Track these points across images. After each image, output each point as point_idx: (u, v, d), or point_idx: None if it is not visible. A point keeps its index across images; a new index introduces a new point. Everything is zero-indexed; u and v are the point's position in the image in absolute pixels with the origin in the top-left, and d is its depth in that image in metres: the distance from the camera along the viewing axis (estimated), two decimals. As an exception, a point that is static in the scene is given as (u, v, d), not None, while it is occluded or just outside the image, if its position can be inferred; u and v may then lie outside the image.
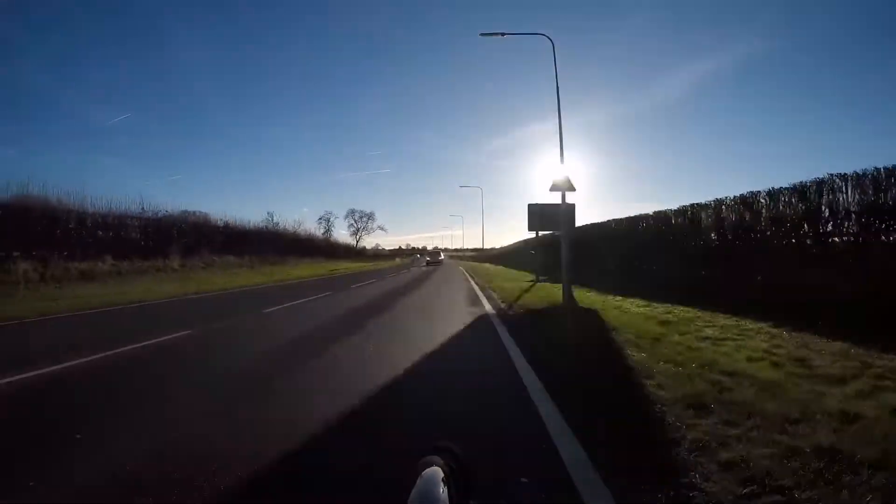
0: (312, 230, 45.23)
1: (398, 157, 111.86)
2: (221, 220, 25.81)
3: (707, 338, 4.40)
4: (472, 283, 15.17)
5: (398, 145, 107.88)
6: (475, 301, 9.26)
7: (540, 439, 2.23)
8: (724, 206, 7.82)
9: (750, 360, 3.52)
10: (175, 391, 3.28)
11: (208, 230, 23.55)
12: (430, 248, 71.96)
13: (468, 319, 6.67)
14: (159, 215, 20.29)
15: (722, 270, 7.61)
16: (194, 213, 24.73)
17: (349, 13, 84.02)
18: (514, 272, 20.32)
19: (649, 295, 7.72)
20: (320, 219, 57.47)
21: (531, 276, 14.79)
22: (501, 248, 43.19)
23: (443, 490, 0.47)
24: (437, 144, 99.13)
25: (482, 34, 10.40)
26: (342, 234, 63.95)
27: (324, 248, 40.31)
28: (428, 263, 38.63)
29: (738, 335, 4.47)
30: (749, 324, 5.01)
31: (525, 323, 6.20)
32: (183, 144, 79.64)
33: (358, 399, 2.93)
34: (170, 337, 5.12)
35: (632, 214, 11.51)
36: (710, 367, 3.32)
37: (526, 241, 23.24)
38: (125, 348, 4.49)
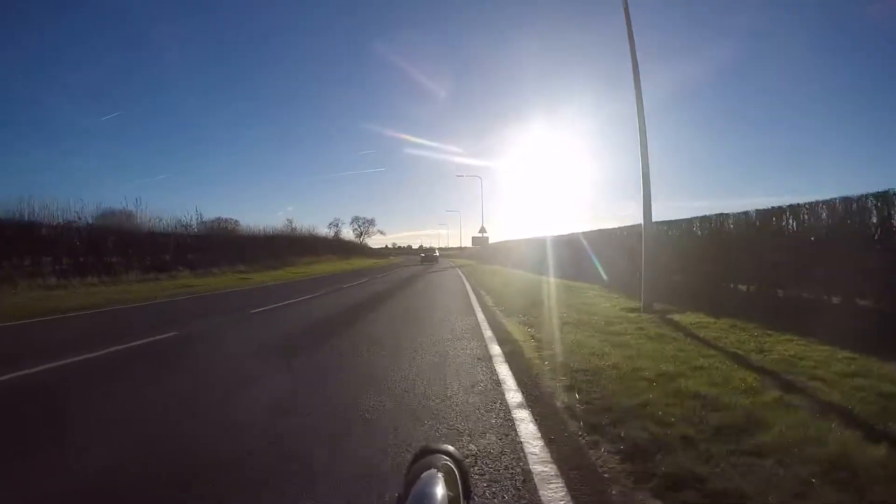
0: (324, 232, 66.58)
1: (389, 159, 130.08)
2: (320, 233, 52.69)
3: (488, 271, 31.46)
4: (450, 262, 42.24)
5: (389, 147, 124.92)
6: (449, 264, 36.25)
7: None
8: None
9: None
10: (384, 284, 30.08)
11: (306, 238, 49.36)
12: (416, 247, 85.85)
13: (447, 266, 33.67)
14: (298, 232, 46.69)
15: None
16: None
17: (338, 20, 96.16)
18: (472, 261, 46.75)
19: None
20: (330, 224, 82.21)
21: (478, 262, 41.85)
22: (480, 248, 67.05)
23: (441, 492, 0.52)
24: (425, 147, 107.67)
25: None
26: (348, 236, 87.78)
27: (355, 248, 67.51)
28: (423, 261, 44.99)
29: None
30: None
31: (459, 265, 33.15)
32: (164, 146, 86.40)
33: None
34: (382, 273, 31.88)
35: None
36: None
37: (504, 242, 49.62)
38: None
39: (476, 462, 2.53)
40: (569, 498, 2.15)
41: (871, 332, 5.53)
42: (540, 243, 25.73)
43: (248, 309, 9.96)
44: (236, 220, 36.09)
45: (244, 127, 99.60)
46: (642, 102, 9.12)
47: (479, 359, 5.07)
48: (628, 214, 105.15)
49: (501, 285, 15.00)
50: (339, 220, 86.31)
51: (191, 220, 27.29)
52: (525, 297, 10.92)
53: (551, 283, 14.95)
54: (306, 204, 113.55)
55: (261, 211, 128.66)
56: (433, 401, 3.64)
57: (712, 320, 7.13)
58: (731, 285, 9.57)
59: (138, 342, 6.19)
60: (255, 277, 23.03)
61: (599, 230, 16.26)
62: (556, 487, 2.25)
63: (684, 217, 11.14)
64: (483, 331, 6.89)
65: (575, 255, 17.88)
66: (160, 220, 24.58)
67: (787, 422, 2.88)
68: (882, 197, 6.45)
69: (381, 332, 7.10)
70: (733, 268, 9.49)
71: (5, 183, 52.87)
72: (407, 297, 12.85)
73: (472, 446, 2.77)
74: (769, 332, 6.03)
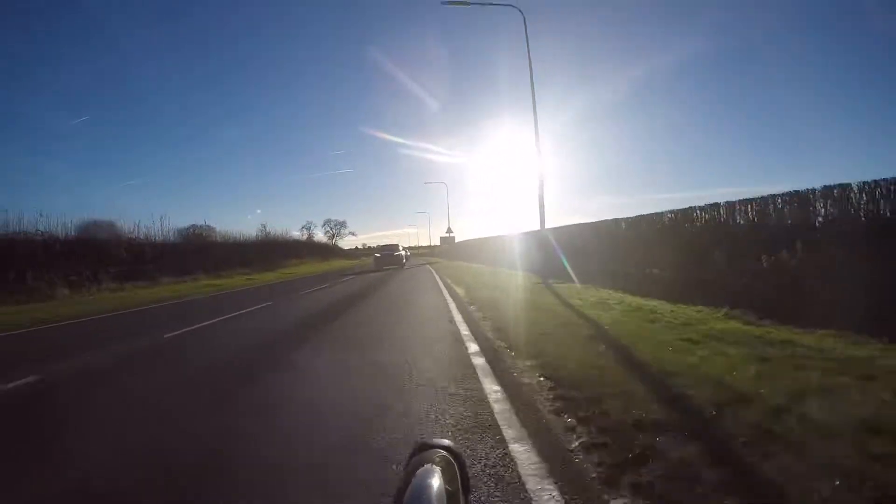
0: (296, 235, 69.24)
1: (359, 158, 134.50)
2: (294, 237, 57.92)
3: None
4: (422, 260, 48.27)
5: (359, 146, 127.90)
6: (420, 262, 42.34)
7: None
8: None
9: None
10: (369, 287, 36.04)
11: (289, 242, 54.84)
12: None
13: (418, 263, 39.76)
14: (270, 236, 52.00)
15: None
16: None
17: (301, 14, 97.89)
18: (441, 259, 52.89)
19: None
20: (302, 227, 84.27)
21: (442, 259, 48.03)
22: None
23: (439, 487, 0.54)
24: (394, 143, 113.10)
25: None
26: (320, 238, 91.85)
27: (330, 251, 73.16)
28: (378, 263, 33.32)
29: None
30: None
31: (429, 262, 39.27)
32: (133, 149, 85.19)
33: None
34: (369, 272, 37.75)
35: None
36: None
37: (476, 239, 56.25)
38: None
39: (432, 312, 8.71)
40: (461, 318, 8.33)
41: (661, 287, 10.94)
42: (505, 240, 29.33)
43: (298, 292, 15.88)
44: (210, 227, 37.41)
45: (210, 131, 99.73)
46: (540, 145, 15.42)
47: (437, 295, 11.52)
48: (596, 209, 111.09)
49: (460, 274, 21.18)
50: (311, 222, 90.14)
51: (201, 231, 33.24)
52: (474, 279, 17.15)
53: (502, 272, 21.17)
54: (276, 207, 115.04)
55: (230, 214, 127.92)
56: (423, 305, 10.10)
57: (578, 285, 13.13)
58: (623, 269, 14.23)
59: (257, 307, 12.02)
60: (259, 278, 28.42)
61: (566, 226, 19.05)
62: (456, 314, 8.57)
63: (597, 220, 16.46)
64: (441, 289, 13.31)
65: (541, 249, 19.66)
66: (179, 232, 30.12)
67: (544, 306, 9.13)
68: (685, 210, 11.65)
69: (391, 293, 13.45)
70: (627, 256, 14.05)
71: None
72: (397, 281, 18.97)
73: (435, 312, 9.15)
74: (601, 288, 11.74)
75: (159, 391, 4.53)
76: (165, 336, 7.79)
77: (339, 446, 2.86)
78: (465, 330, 6.70)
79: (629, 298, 9.34)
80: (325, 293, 15.20)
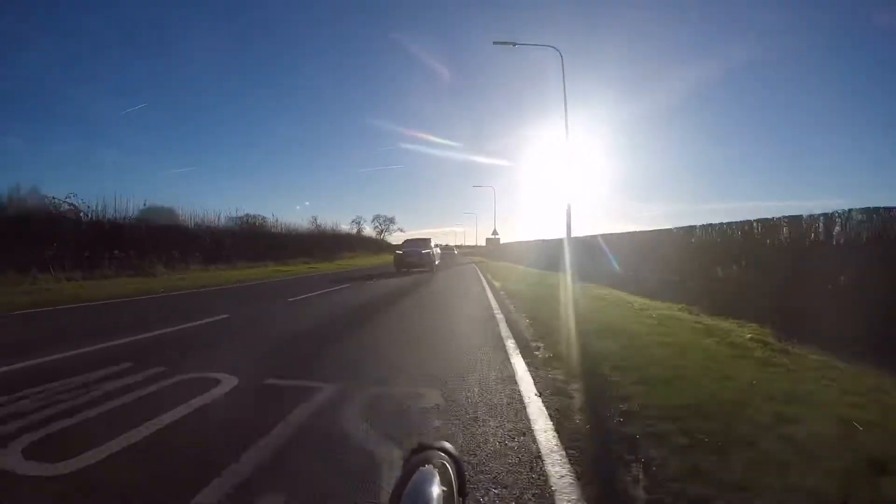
0: (346, 228, 72.95)
1: (406, 157, 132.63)
2: (345, 230, 62.68)
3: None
4: (467, 259, 51.96)
5: (407, 145, 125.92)
6: (466, 260, 46.08)
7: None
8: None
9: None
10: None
11: (341, 235, 59.53)
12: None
13: (465, 262, 43.43)
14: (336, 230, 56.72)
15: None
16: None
17: (358, 18, 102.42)
18: (485, 259, 56.27)
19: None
20: (352, 221, 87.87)
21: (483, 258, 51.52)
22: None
23: (437, 488, 0.56)
24: (443, 146, 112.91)
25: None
26: (369, 233, 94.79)
27: (380, 245, 78.13)
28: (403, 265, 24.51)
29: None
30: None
31: (474, 261, 42.81)
32: (186, 139, 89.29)
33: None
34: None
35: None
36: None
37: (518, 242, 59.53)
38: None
39: (475, 295, 12.26)
40: (493, 297, 11.77)
41: (663, 288, 14.90)
42: (545, 244, 31.91)
43: (368, 280, 19.55)
44: (264, 217, 38.82)
45: (261, 123, 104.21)
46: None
47: (481, 287, 15.13)
48: (643, 216, 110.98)
49: (501, 272, 24.59)
50: (360, 217, 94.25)
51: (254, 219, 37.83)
52: (511, 276, 20.51)
53: (538, 272, 24.43)
54: (324, 200, 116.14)
55: (277, 205, 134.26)
56: (469, 292, 13.78)
57: (602, 285, 16.32)
58: (642, 274, 17.73)
59: (341, 287, 15.79)
60: (321, 267, 32.44)
61: (615, 233, 21.31)
62: (486, 285, 12.08)
63: (627, 230, 20.11)
64: (483, 282, 16.84)
65: (577, 254, 20.25)
66: (232, 219, 34.85)
67: (554, 295, 12.49)
68: (687, 228, 15.47)
69: (445, 281, 17.08)
70: (648, 261, 17.91)
71: (29, 174, 59.74)
72: (448, 274, 22.50)
73: (476, 294, 12.78)
74: (614, 288, 15.16)
75: (323, 320, 8.33)
76: (289, 300, 11.50)
77: (437, 316, 6.45)
78: (494, 304, 10.34)
79: (623, 295, 12.53)
80: (391, 279, 18.94)
